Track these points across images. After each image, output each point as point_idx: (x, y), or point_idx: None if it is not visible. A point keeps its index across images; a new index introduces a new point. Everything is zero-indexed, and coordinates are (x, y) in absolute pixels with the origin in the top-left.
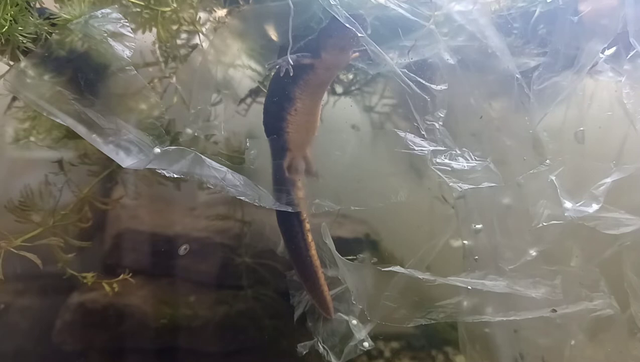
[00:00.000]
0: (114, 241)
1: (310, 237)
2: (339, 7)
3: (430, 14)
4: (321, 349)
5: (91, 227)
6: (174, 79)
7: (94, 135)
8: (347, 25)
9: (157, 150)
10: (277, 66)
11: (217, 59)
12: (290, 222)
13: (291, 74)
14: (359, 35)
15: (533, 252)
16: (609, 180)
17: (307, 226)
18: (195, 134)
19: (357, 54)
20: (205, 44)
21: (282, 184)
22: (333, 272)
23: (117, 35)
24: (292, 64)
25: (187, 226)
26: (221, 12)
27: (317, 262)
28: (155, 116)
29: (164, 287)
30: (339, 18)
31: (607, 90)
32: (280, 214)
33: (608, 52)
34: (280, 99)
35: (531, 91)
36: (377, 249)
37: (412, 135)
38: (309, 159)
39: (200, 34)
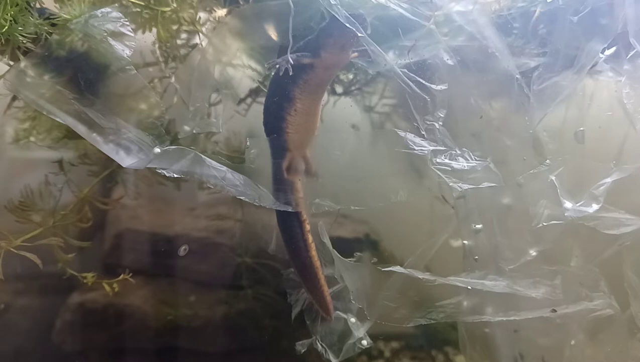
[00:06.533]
0: (114, 241)
1: (310, 238)
2: (339, 6)
3: (431, 14)
4: (319, 348)
5: (91, 227)
6: (173, 79)
7: (94, 135)
8: (347, 24)
9: (157, 150)
10: (277, 66)
11: (216, 57)
12: (290, 223)
13: (291, 74)
14: (359, 35)
15: (533, 252)
16: (609, 180)
17: (307, 226)
18: (194, 132)
19: (356, 53)
20: (205, 44)
21: (281, 185)
22: (331, 271)
23: (117, 35)
24: (291, 63)
25: (187, 226)
26: (221, 12)
27: (317, 263)
28: (155, 116)
29: (164, 287)
30: (338, 17)
31: (607, 90)
32: (280, 215)
33: (608, 52)
34: (279, 99)
35: (531, 91)
36: (377, 249)
37: (412, 135)
38: (308, 159)
39: (200, 34)
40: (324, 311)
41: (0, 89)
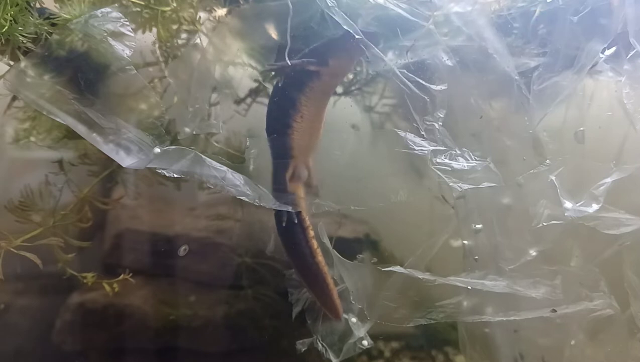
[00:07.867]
0: (114, 241)
1: (315, 244)
2: (336, 8)
3: (430, 14)
4: (320, 347)
5: (91, 227)
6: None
7: (94, 135)
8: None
9: (157, 150)
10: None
11: (216, 57)
12: (293, 233)
13: (290, 76)
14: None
15: (533, 252)
16: (609, 180)
17: (311, 233)
18: (194, 133)
19: None
20: (205, 44)
21: (283, 187)
22: (331, 271)
23: (117, 35)
24: (289, 64)
25: (187, 226)
26: (221, 12)
27: (324, 269)
28: (155, 116)
29: (164, 287)
30: (352, 33)
31: (607, 90)
32: (283, 226)
33: (608, 52)
34: (285, 105)
35: (531, 91)
36: (377, 249)
37: (412, 135)
38: (310, 168)
39: (201, 34)
40: (333, 314)
41: (0, 89)
